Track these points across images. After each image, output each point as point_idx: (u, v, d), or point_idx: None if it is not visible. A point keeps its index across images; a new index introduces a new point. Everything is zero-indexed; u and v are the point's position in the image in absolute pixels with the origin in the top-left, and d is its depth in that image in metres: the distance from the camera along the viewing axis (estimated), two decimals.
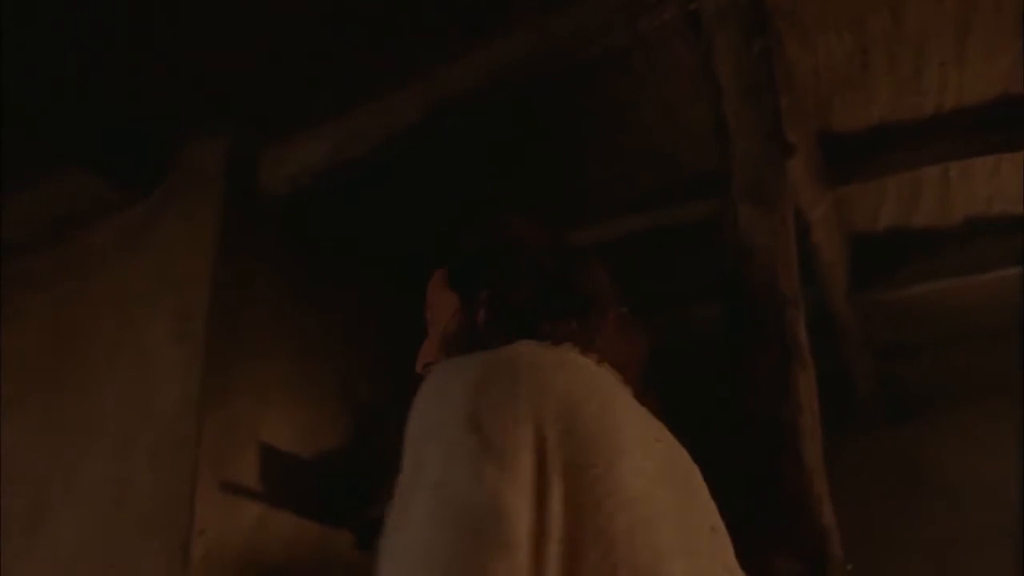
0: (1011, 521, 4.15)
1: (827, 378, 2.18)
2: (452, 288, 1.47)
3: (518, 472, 1.06)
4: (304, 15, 2.64)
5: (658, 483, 1.19)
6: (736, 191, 2.19)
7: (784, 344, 1.99)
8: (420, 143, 2.94)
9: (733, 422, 2.02)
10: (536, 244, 1.48)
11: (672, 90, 2.96)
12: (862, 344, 4.28)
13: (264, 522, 2.87)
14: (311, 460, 3.05)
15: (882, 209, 3.70)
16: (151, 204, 3.19)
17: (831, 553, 1.91)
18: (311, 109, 2.95)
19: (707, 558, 1.22)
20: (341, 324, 3.26)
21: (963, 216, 3.73)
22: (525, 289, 1.39)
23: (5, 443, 3.33)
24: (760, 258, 2.09)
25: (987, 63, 2.94)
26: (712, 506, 1.31)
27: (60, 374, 3.28)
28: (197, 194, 3.08)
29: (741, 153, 2.24)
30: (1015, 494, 4.15)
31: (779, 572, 1.95)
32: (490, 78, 2.68)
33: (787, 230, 2.17)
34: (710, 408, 4.19)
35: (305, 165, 2.99)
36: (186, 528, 2.65)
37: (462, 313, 1.41)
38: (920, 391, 4.62)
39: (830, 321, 3.95)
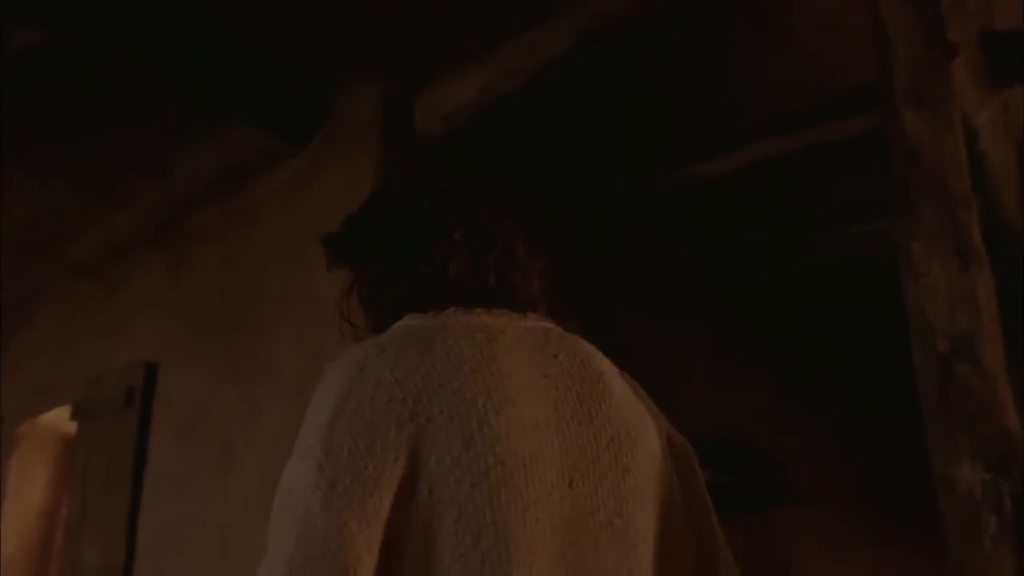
0: None
1: (1001, 292, 2.14)
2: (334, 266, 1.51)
3: (349, 498, 1.16)
4: None
5: (536, 426, 1.27)
6: (899, 97, 2.15)
7: (958, 248, 1.95)
8: (569, 75, 2.96)
9: (912, 333, 2.00)
10: (391, 209, 1.48)
11: (824, 0, 2.90)
12: None
13: None
14: None
15: None
16: (311, 154, 3.29)
17: (1017, 460, 1.88)
18: (461, 49, 2.99)
19: (598, 477, 1.31)
20: None
21: None
22: (378, 262, 1.43)
23: (193, 392, 3.51)
24: (928, 162, 2.05)
25: None
26: (618, 417, 1.37)
27: (235, 322, 3.44)
28: (355, 141, 3.16)
29: (902, 58, 2.20)
30: None
31: (963, 481, 1.93)
32: (638, 2, 2.67)
33: (954, 132, 2.12)
34: (882, 323, 4.13)
35: (458, 105, 3.04)
36: None
37: (348, 295, 1.48)
38: None
39: (1001, 233, 3.83)
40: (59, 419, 4.42)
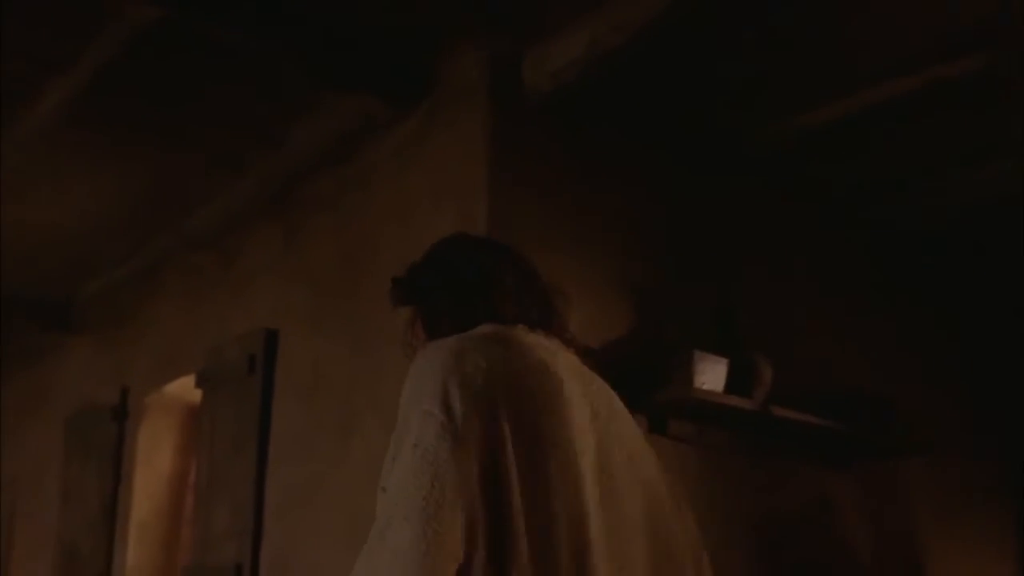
0: None
1: None
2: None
3: (468, 446, 1.54)
4: None
5: (582, 431, 1.71)
6: None
7: None
8: (677, 26, 2.94)
9: None
10: (453, 252, 2.03)
11: None
12: None
13: None
14: (600, 348, 3.15)
15: None
16: (421, 118, 3.34)
17: None
18: (567, 4, 3.00)
19: (619, 473, 1.76)
20: (616, 212, 3.32)
21: None
22: (444, 300, 1.91)
23: (313, 357, 3.61)
24: None
25: None
26: (631, 427, 1.88)
27: (352, 287, 3.52)
28: (464, 102, 3.20)
29: None
30: None
31: None
32: None
33: None
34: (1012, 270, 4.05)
35: (566, 60, 3.05)
36: None
37: (411, 326, 1.97)
38: None
39: None
40: (183, 388, 4.57)
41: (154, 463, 4.73)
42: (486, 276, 1.94)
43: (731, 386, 3.26)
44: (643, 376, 3.21)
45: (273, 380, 3.75)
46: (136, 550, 4.61)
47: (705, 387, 3.17)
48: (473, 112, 3.15)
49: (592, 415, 1.77)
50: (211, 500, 3.83)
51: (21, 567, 5.75)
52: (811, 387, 3.60)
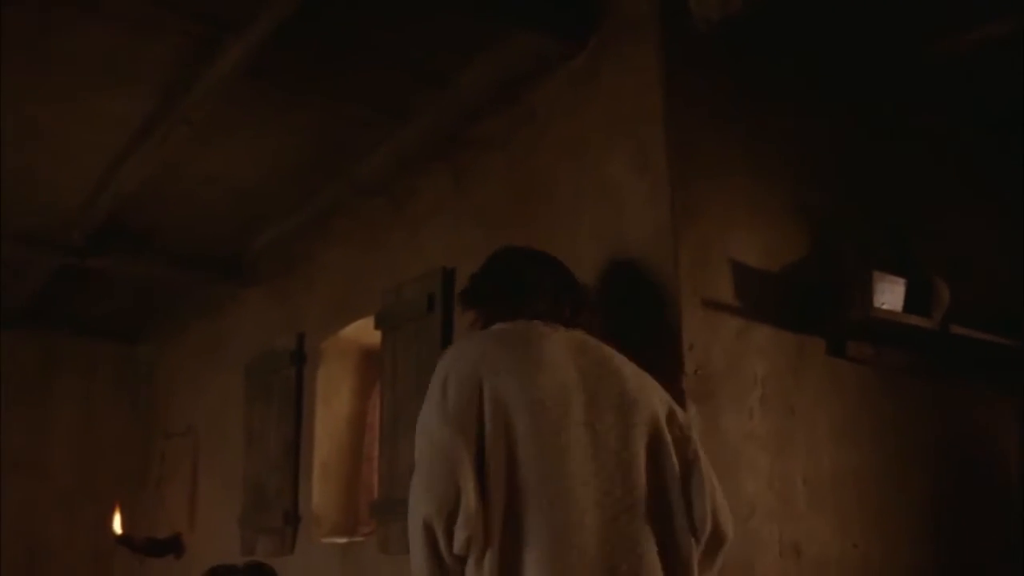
0: None
1: None
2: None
3: (453, 421, 2.39)
4: None
5: (565, 386, 2.48)
6: None
7: None
8: None
9: None
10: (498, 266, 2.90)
11: None
12: None
13: (743, 334, 3.10)
14: (778, 273, 3.23)
15: None
16: (590, 54, 3.44)
17: None
18: None
19: (610, 423, 2.49)
20: (790, 139, 3.38)
21: None
22: (496, 303, 2.77)
23: None
24: None
25: None
26: (624, 391, 2.55)
27: (526, 222, 3.65)
28: (633, 35, 3.29)
29: None
30: None
31: None
32: None
33: None
34: None
35: None
36: (677, 345, 2.93)
37: (472, 327, 2.81)
38: None
39: None
40: (358, 331, 4.80)
41: (332, 405, 4.97)
42: (528, 281, 2.79)
43: (909, 307, 3.31)
44: (821, 299, 3.29)
45: (452, 318, 3.91)
46: (320, 488, 4.87)
47: (884, 307, 3.23)
48: (644, 44, 3.24)
49: (581, 379, 2.52)
50: (395, 438, 4.04)
51: (207, 507, 6.11)
52: (988, 307, 3.62)
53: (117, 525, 6.29)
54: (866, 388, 3.38)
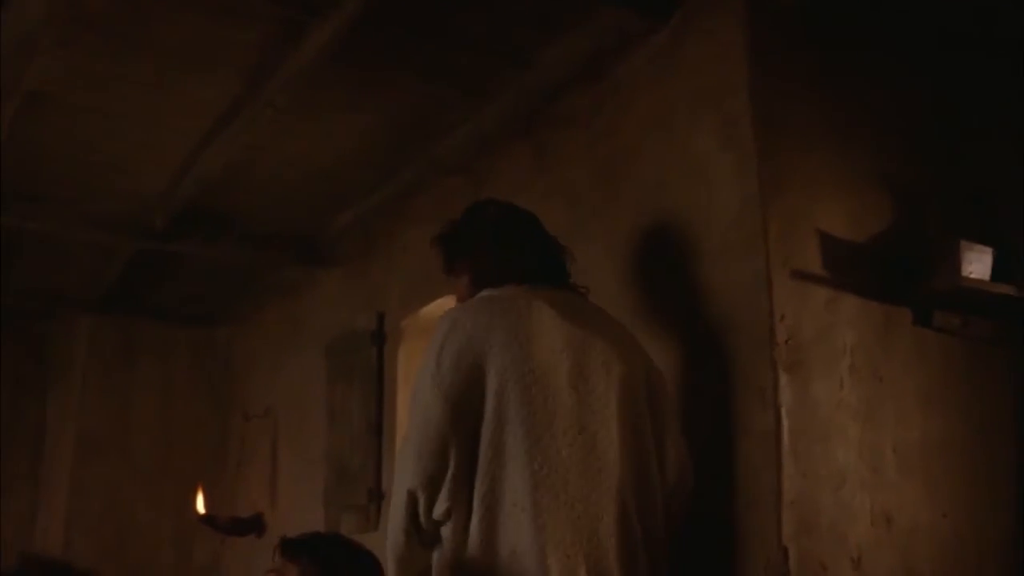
0: None
1: None
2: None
3: (446, 393, 2.53)
4: None
5: (554, 351, 2.62)
6: None
7: None
8: None
9: None
10: (492, 219, 3.00)
11: None
12: None
13: (831, 304, 3.15)
14: (864, 243, 3.28)
15: None
16: (674, 28, 3.51)
17: None
18: None
19: (595, 382, 2.67)
20: (873, 109, 3.42)
21: None
22: (492, 253, 2.89)
23: (580, 268, 3.84)
24: None
25: None
26: (610, 349, 2.75)
27: (610, 198, 3.75)
28: (717, 9, 3.35)
29: None
30: None
31: None
32: None
33: None
34: None
35: None
36: (767, 315, 3.00)
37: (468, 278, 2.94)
38: None
39: None
40: (439, 310, 4.89)
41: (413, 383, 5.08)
42: (516, 238, 2.94)
43: (996, 276, 3.34)
44: (907, 269, 3.33)
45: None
46: None
47: (971, 277, 3.27)
48: (727, 18, 3.30)
49: (567, 343, 2.65)
50: None
51: (288, 486, 6.27)
52: None
53: (200, 505, 6.47)
54: (952, 358, 3.41)
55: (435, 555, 2.63)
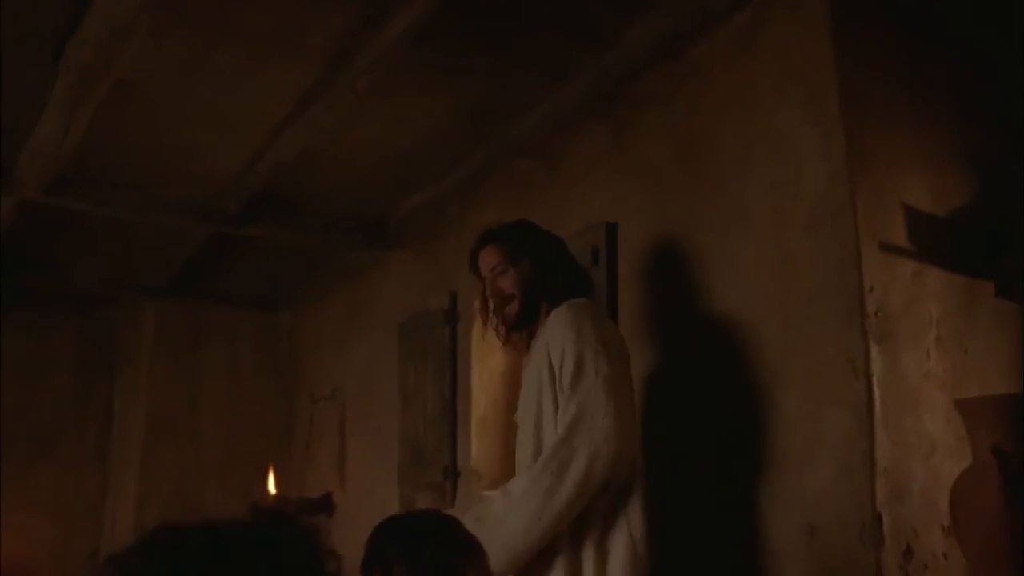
0: None
1: None
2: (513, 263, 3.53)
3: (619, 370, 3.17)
4: None
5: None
6: None
7: None
8: None
9: None
10: (551, 238, 3.65)
11: None
12: None
13: (917, 277, 3.25)
14: (947, 217, 3.37)
15: None
16: (756, 8, 3.60)
17: None
18: None
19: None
20: (955, 84, 3.50)
21: None
22: (563, 265, 3.52)
23: (656, 244, 3.96)
24: None
25: None
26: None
27: (690, 176, 3.85)
28: None
29: None
30: None
31: None
32: None
33: None
34: None
35: None
36: (857, 288, 3.10)
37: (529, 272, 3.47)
38: None
39: None
40: None
41: (487, 361, 5.20)
42: (570, 260, 3.62)
43: None
44: (989, 242, 3.42)
45: (617, 270, 4.12)
46: (478, 442, 5.11)
47: None
48: None
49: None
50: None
51: (357, 467, 6.43)
52: None
53: (272, 485, 6.65)
54: None
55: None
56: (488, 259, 3.51)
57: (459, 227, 5.49)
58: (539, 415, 3.24)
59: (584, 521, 3.08)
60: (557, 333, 3.20)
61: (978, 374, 3.32)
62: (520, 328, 3.51)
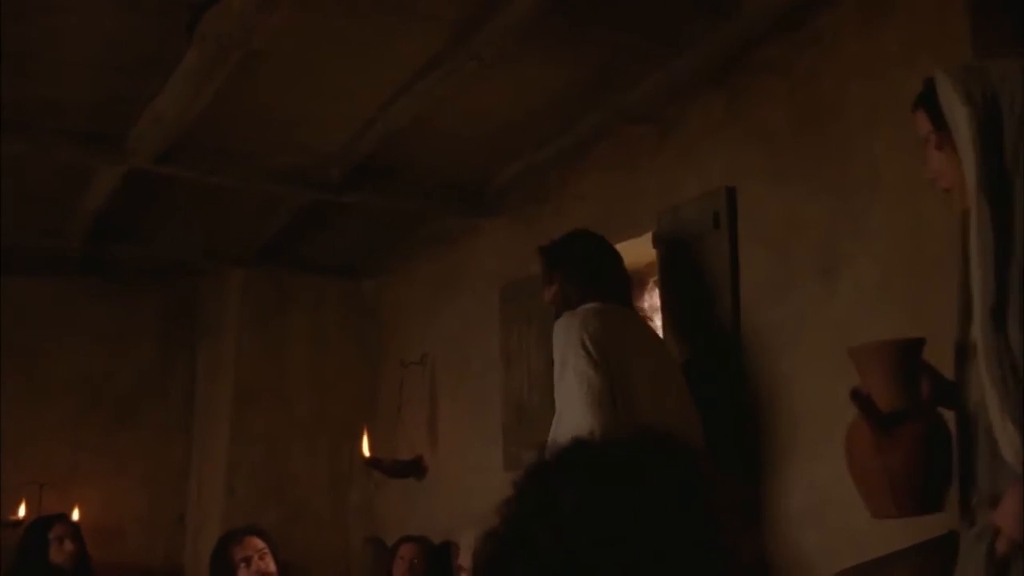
0: None
1: None
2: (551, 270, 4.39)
3: (599, 367, 3.79)
4: None
5: (646, 355, 4.06)
6: None
7: None
8: None
9: None
10: (583, 250, 4.37)
11: None
12: None
13: None
14: None
15: None
16: None
17: None
18: None
19: (671, 386, 4.11)
20: None
21: None
22: (580, 276, 4.23)
23: (779, 210, 4.20)
24: None
25: None
26: (674, 363, 4.29)
27: (814, 142, 4.09)
28: None
29: None
30: None
31: None
32: None
33: None
34: None
35: None
36: None
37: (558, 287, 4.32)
38: None
39: None
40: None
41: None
42: (597, 263, 4.26)
43: None
44: None
45: (737, 234, 4.37)
46: None
47: None
48: None
49: (642, 345, 4.10)
50: (682, 341, 4.54)
51: (448, 430, 6.73)
52: None
53: (366, 449, 6.96)
54: None
55: None
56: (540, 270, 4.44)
57: (559, 194, 5.74)
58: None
59: None
60: (554, 340, 3.99)
61: None
62: None
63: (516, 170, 5.91)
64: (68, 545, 5.99)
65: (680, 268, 4.64)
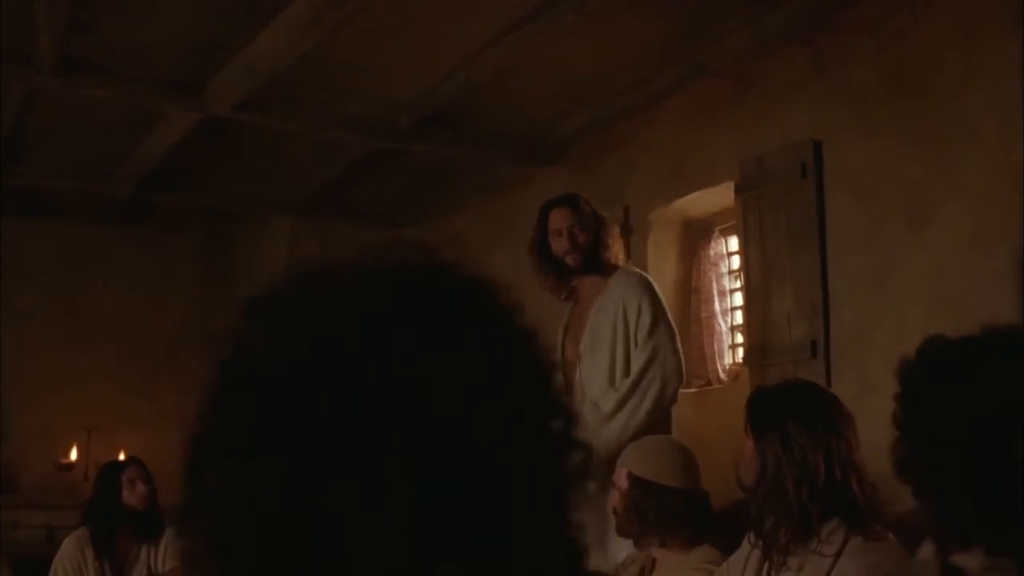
0: None
1: None
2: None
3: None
4: None
5: None
6: None
7: None
8: None
9: None
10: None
11: None
12: None
13: None
14: None
15: None
16: None
17: None
18: None
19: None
20: None
21: None
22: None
23: (869, 161, 4.59)
24: None
25: None
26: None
27: (907, 98, 4.47)
28: None
29: None
30: None
31: None
32: None
33: None
34: None
35: None
36: None
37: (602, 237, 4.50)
38: None
39: None
40: (687, 203, 5.69)
41: (663, 270, 5.87)
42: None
43: None
44: None
45: (823, 183, 4.76)
46: None
47: None
48: None
49: None
50: (768, 292, 4.94)
51: None
52: None
53: None
54: None
55: None
56: (565, 217, 4.52)
57: (626, 145, 6.08)
58: (613, 353, 4.26)
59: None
60: (633, 293, 4.27)
61: None
62: (568, 276, 4.52)
63: (581, 121, 6.20)
64: (140, 487, 6.31)
65: (765, 217, 5.02)
